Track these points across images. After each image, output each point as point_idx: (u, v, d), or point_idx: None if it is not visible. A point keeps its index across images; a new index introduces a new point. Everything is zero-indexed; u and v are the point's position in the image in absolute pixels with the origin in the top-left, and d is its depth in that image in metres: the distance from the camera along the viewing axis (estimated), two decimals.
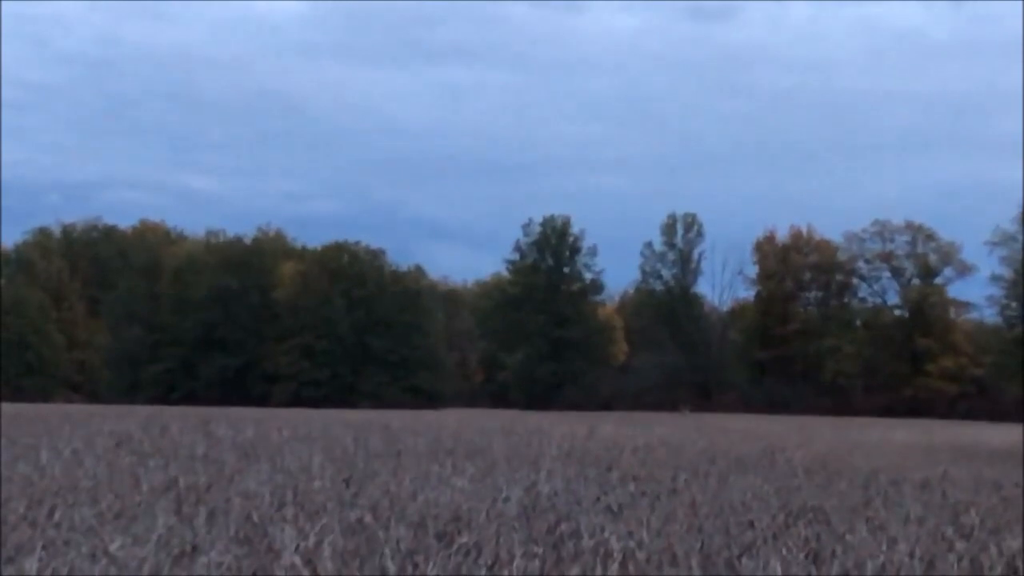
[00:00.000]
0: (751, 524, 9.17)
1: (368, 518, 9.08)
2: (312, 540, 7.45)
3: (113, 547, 7.37)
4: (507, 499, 10.97)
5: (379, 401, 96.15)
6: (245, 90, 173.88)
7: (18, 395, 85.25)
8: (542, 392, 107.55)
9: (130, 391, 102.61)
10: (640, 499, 11.43)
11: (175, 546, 7.41)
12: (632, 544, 7.79)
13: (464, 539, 7.93)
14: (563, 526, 8.83)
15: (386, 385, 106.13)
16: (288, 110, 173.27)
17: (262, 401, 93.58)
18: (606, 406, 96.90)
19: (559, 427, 38.94)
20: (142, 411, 48.70)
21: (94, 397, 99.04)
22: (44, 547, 7.44)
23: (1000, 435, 45.74)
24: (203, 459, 15.80)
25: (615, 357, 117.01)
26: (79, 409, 52.27)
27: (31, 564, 6.91)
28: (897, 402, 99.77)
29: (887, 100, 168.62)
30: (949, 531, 9.40)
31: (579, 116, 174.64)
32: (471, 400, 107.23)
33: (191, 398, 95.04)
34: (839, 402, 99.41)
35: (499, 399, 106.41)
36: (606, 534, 8.19)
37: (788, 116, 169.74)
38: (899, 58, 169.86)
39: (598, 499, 10.86)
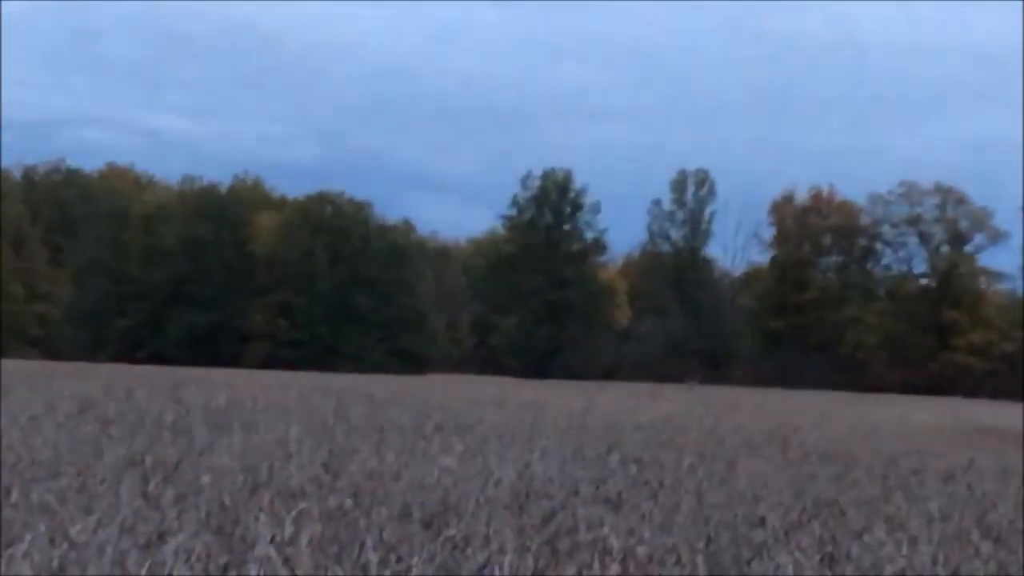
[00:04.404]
0: (762, 521, 9.21)
1: (349, 503, 9.11)
2: (288, 530, 7.46)
3: (74, 531, 7.36)
4: (499, 482, 11.02)
5: (361, 364, 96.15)
6: (219, 24, 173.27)
7: None
8: (538, 359, 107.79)
9: (93, 348, 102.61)
10: (642, 487, 11.47)
11: (141, 533, 7.42)
12: (632, 541, 7.83)
13: (452, 531, 7.95)
14: (559, 517, 8.87)
15: (369, 347, 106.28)
16: (266, 46, 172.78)
17: (234, 361, 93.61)
18: (607, 375, 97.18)
19: (555, 399, 39.10)
20: (105, 370, 48.81)
21: (54, 353, 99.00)
22: None
23: None
24: (171, 428, 15.83)
25: (617, 322, 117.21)
26: (38, 367, 52.34)
27: None
28: (920, 378, 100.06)
29: (916, 50, 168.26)
30: (975, 532, 9.44)
31: (582, 59, 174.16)
32: (460, 365, 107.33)
33: (158, 357, 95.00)
34: (857, 377, 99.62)
35: (490, 365, 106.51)
36: (605, 529, 8.22)
37: (810, 66, 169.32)
38: (930, 4, 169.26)
39: (597, 488, 10.90)
